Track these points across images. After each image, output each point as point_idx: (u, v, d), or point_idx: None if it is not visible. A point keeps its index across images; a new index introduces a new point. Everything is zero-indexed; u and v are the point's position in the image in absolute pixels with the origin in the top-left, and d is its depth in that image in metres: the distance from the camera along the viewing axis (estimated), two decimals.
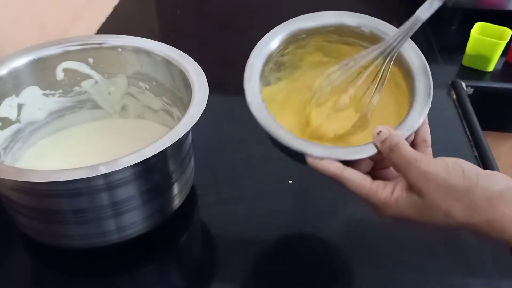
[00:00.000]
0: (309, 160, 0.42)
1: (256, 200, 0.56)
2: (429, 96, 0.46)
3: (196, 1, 1.09)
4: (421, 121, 0.44)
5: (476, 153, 0.65)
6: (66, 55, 0.56)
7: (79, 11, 0.83)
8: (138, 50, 0.56)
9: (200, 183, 0.58)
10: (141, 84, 0.59)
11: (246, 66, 0.48)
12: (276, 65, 0.52)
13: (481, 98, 0.82)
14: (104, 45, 0.56)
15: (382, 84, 0.48)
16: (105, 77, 0.59)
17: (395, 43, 0.47)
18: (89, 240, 0.47)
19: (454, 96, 0.77)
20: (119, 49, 0.56)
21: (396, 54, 0.47)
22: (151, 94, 0.59)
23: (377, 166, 0.44)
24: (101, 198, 0.44)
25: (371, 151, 0.41)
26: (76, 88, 0.59)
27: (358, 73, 0.48)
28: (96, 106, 0.61)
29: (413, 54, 0.49)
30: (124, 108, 0.62)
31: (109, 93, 0.60)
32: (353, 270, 0.51)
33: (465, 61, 0.87)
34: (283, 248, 0.53)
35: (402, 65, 0.48)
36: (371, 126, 0.45)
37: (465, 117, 0.72)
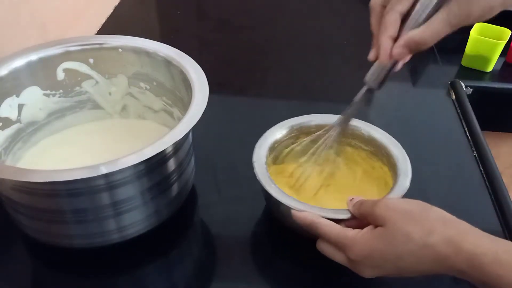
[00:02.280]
0: (293, 213, 0.47)
1: (256, 200, 0.56)
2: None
3: (196, 1, 1.09)
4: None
5: (475, 153, 0.65)
6: (66, 55, 0.56)
7: (79, 11, 0.83)
8: (138, 50, 0.56)
9: (200, 183, 0.58)
10: (142, 84, 0.59)
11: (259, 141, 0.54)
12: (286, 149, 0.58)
13: (480, 98, 0.82)
14: (104, 46, 0.57)
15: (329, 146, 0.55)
16: (105, 77, 0.59)
17: (341, 122, 0.53)
18: (89, 240, 0.47)
19: (454, 96, 0.77)
20: (120, 50, 0.57)
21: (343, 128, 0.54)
22: (151, 94, 0.59)
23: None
24: (102, 198, 0.44)
25: (346, 214, 0.47)
26: (77, 88, 0.59)
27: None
28: (96, 106, 0.61)
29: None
30: (124, 108, 0.62)
31: (110, 93, 0.60)
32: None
33: (465, 62, 0.87)
34: (283, 248, 0.53)
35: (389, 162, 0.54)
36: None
37: (464, 117, 0.72)
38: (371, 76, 0.49)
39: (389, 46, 0.45)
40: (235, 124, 0.70)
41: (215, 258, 0.52)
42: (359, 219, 0.45)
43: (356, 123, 0.57)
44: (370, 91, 0.50)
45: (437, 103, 0.77)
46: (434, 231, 0.39)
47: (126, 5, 1.00)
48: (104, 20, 0.93)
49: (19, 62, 0.53)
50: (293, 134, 0.57)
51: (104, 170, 0.40)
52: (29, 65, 0.54)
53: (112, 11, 0.96)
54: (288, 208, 0.47)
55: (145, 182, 0.46)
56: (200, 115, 0.45)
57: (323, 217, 0.46)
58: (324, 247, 0.45)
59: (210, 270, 0.51)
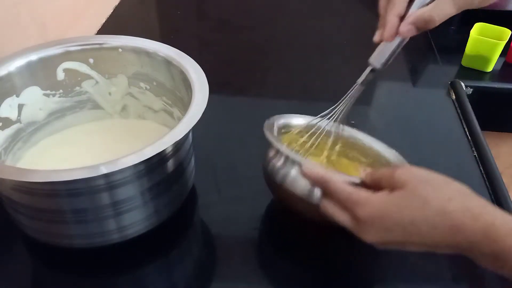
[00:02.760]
0: (304, 168, 0.46)
1: (256, 200, 0.56)
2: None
3: (196, 1, 1.09)
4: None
5: (475, 153, 0.65)
6: (66, 56, 0.56)
7: (79, 12, 0.83)
8: (138, 51, 0.56)
9: (200, 183, 0.58)
10: (142, 84, 0.59)
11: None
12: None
13: (480, 98, 0.82)
14: (104, 46, 0.57)
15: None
16: (105, 78, 0.59)
17: (340, 107, 0.53)
18: (89, 240, 0.47)
19: (454, 96, 0.77)
20: (120, 50, 0.57)
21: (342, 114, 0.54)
22: (151, 94, 0.59)
23: None
24: (102, 198, 0.44)
25: (356, 179, 0.46)
26: (77, 88, 0.59)
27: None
28: (96, 106, 0.61)
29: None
30: (124, 108, 0.62)
31: (110, 93, 0.60)
32: (353, 270, 0.51)
33: (465, 62, 0.87)
34: (283, 248, 0.53)
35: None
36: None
37: (464, 117, 0.72)
38: (375, 56, 0.49)
39: (396, 23, 0.47)
40: (235, 124, 0.70)
41: (215, 258, 0.52)
42: (370, 186, 0.44)
43: (358, 135, 0.58)
44: (373, 71, 0.50)
45: (437, 103, 0.77)
46: (454, 199, 0.39)
47: (126, 5, 1.00)
48: (104, 20, 0.93)
49: (19, 62, 0.53)
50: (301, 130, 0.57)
51: (104, 170, 0.40)
52: (29, 65, 0.54)
53: (112, 11, 0.96)
54: (297, 168, 0.46)
55: (145, 182, 0.46)
56: (200, 115, 0.45)
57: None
58: (328, 206, 0.44)
59: (210, 270, 0.51)
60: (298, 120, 0.58)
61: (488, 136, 0.70)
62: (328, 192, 0.44)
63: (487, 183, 0.61)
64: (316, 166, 0.46)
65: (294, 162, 0.47)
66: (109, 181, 0.43)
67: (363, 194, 0.42)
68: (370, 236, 0.41)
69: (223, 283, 0.49)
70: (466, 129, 0.69)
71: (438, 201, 0.39)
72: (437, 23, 0.46)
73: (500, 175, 0.61)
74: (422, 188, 0.40)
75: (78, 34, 0.80)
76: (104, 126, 0.61)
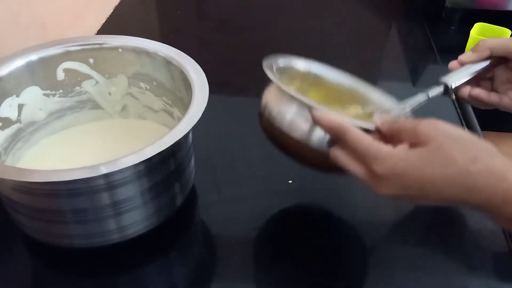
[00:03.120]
0: (317, 113, 0.42)
1: (256, 200, 0.56)
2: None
3: (196, 1, 1.09)
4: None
5: None
6: (66, 56, 0.56)
7: (79, 12, 0.83)
8: (138, 51, 0.56)
9: (200, 183, 0.58)
10: (142, 84, 0.59)
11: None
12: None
13: None
14: (104, 46, 0.57)
15: None
16: (105, 77, 0.59)
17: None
18: (89, 240, 0.47)
19: (454, 96, 0.77)
20: (120, 50, 0.57)
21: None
22: (151, 94, 0.59)
23: None
24: (102, 198, 0.44)
25: (370, 125, 0.42)
26: (77, 88, 0.59)
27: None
28: (96, 106, 0.61)
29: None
30: (124, 108, 0.62)
31: (110, 93, 0.60)
32: (353, 270, 0.51)
33: None
34: (283, 248, 0.53)
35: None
36: None
37: (464, 117, 0.72)
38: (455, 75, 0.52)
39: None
40: (235, 124, 0.70)
41: (215, 258, 0.52)
42: (385, 135, 0.42)
43: (359, 84, 0.56)
44: (446, 91, 0.53)
45: (437, 103, 0.77)
46: (479, 159, 0.37)
47: (126, 5, 1.00)
48: (104, 20, 0.93)
49: (19, 62, 0.53)
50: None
51: (104, 170, 0.40)
52: (29, 65, 0.54)
53: (112, 11, 0.96)
54: (306, 113, 0.42)
55: (145, 182, 0.46)
56: (200, 115, 0.45)
57: None
58: (341, 155, 0.41)
59: (210, 270, 0.51)
60: (299, 63, 0.55)
61: (488, 136, 0.70)
62: (342, 142, 0.41)
63: None
64: (329, 111, 0.42)
65: (300, 105, 0.43)
66: (109, 181, 0.43)
67: (383, 149, 0.39)
68: (385, 191, 0.39)
69: (223, 283, 0.49)
70: (466, 129, 0.69)
71: (463, 160, 0.37)
72: None
73: None
74: (448, 146, 0.38)
75: (78, 34, 0.80)
76: (104, 126, 0.61)
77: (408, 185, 0.39)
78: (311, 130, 0.44)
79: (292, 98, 0.44)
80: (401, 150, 0.39)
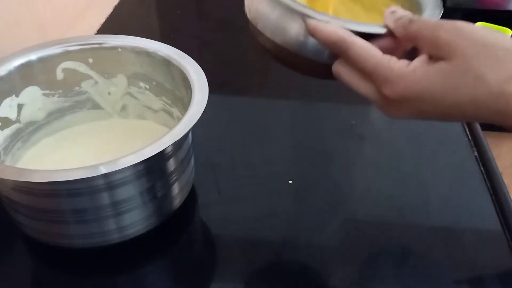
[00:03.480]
0: (312, 23, 0.35)
1: (256, 200, 0.56)
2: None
3: (196, 1, 1.09)
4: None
5: (476, 153, 0.65)
6: (66, 55, 0.56)
7: (79, 11, 0.83)
8: (138, 50, 0.56)
9: (200, 183, 0.58)
10: (141, 84, 0.59)
11: None
12: None
13: None
14: (104, 45, 0.57)
15: None
16: (105, 77, 0.59)
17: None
18: (89, 240, 0.47)
19: None
20: (119, 49, 0.56)
21: None
22: (151, 94, 0.59)
23: None
24: (101, 198, 0.44)
25: (380, 29, 0.34)
26: (76, 88, 0.59)
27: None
28: (96, 106, 0.61)
29: None
30: (124, 108, 0.62)
31: (109, 93, 0.60)
32: (353, 270, 0.51)
33: None
34: (283, 248, 0.53)
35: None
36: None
37: None
38: None
39: None
40: (235, 124, 0.70)
41: (215, 258, 0.52)
42: (399, 40, 0.35)
43: None
44: None
45: None
46: None
47: (126, 5, 1.00)
48: (103, 20, 0.92)
49: (19, 62, 0.53)
50: None
51: (103, 170, 0.40)
52: (29, 65, 0.54)
53: (111, 11, 0.96)
54: (302, 23, 0.35)
55: (145, 182, 0.46)
56: (200, 115, 0.45)
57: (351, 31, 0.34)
58: (345, 73, 0.35)
59: (210, 270, 0.51)
60: None
61: (488, 136, 0.69)
62: (346, 57, 0.35)
63: (487, 183, 0.60)
64: (328, 19, 0.35)
65: (289, 11, 0.36)
66: (109, 181, 0.43)
67: (395, 68, 0.32)
68: (397, 115, 0.34)
69: (223, 283, 0.49)
70: (466, 129, 0.69)
71: (496, 79, 0.30)
72: None
73: (501, 175, 0.61)
74: (477, 62, 0.30)
75: (78, 34, 0.80)
76: (104, 126, 0.61)
77: (425, 110, 0.33)
78: (305, 38, 0.37)
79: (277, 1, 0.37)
80: (417, 67, 0.32)
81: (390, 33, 0.34)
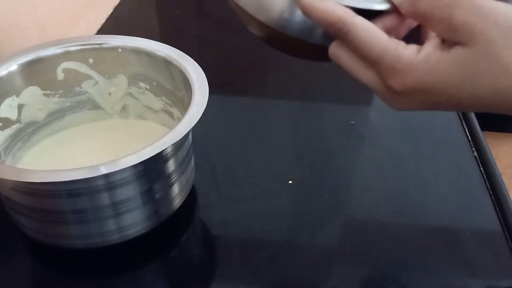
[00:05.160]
0: (305, 1, 0.30)
1: (256, 200, 0.56)
2: None
3: (196, 1, 1.09)
4: None
5: (475, 153, 0.65)
6: (66, 56, 0.56)
7: (79, 12, 0.83)
8: (138, 51, 0.56)
9: (200, 183, 0.58)
10: (141, 84, 0.59)
11: None
12: None
13: None
14: (104, 46, 0.57)
15: None
16: (105, 78, 0.59)
17: None
18: (89, 240, 0.47)
19: None
20: (119, 50, 0.57)
21: None
22: (151, 94, 0.59)
23: None
24: (101, 198, 0.44)
25: (384, 4, 0.29)
26: (77, 89, 0.59)
27: None
28: (96, 106, 0.61)
29: None
30: (124, 108, 0.62)
31: (110, 94, 0.60)
32: (353, 270, 0.51)
33: None
34: (283, 248, 0.53)
35: None
36: None
37: (464, 117, 0.72)
38: None
39: None
40: (235, 124, 0.70)
41: (215, 258, 0.52)
42: (406, 17, 0.30)
43: None
44: None
45: None
46: None
47: (126, 5, 1.00)
48: (104, 20, 0.92)
49: (19, 62, 0.53)
50: None
51: (104, 171, 0.40)
52: (29, 65, 0.54)
53: (111, 11, 0.96)
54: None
55: (145, 182, 0.46)
56: (200, 115, 0.45)
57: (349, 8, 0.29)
58: (344, 57, 0.31)
59: (210, 270, 0.51)
60: None
61: (488, 136, 0.69)
62: (346, 41, 0.30)
63: (487, 183, 0.61)
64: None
65: None
66: (109, 182, 0.43)
67: (404, 55, 0.28)
68: (404, 107, 0.30)
69: (223, 283, 0.49)
70: (466, 129, 0.69)
71: None
72: None
73: (500, 175, 0.61)
74: (502, 47, 0.25)
75: (78, 34, 0.80)
76: (104, 126, 0.61)
77: (438, 103, 0.29)
78: (291, 15, 0.32)
79: None
80: (430, 54, 0.27)
81: (394, 9, 0.29)
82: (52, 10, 0.73)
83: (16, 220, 0.48)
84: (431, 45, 0.28)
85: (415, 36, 0.31)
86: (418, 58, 0.27)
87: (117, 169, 0.40)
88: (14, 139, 0.54)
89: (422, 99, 0.29)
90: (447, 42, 0.27)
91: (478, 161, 0.64)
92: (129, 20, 0.97)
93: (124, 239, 0.48)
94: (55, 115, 0.59)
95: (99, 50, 0.57)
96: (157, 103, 0.60)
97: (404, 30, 0.31)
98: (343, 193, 0.59)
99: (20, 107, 0.54)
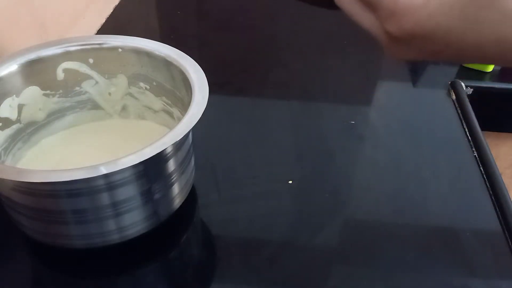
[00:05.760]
0: None
1: (256, 200, 0.56)
2: None
3: (196, 1, 1.09)
4: None
5: (475, 153, 0.65)
6: (66, 56, 0.56)
7: (79, 11, 0.83)
8: (138, 51, 0.56)
9: (200, 183, 0.58)
10: (142, 84, 0.59)
11: None
12: None
13: (480, 98, 0.82)
14: (104, 46, 0.57)
15: None
16: (105, 78, 0.59)
17: None
18: (89, 240, 0.47)
19: (454, 97, 0.77)
20: (120, 50, 0.57)
21: None
22: (151, 94, 0.59)
23: None
24: (101, 198, 0.44)
25: None
26: (77, 89, 0.59)
27: None
28: (96, 106, 0.61)
29: None
30: (124, 108, 0.62)
31: (110, 94, 0.60)
32: (353, 270, 0.51)
33: None
34: (283, 248, 0.53)
35: None
36: None
37: (464, 117, 0.72)
38: None
39: None
40: (235, 124, 0.70)
41: (215, 258, 0.52)
42: None
43: None
44: None
45: (437, 103, 0.77)
46: None
47: (126, 5, 1.00)
48: (104, 20, 0.93)
49: (19, 62, 0.53)
50: None
51: (104, 171, 0.40)
52: (29, 65, 0.54)
53: (111, 11, 0.96)
54: None
55: (145, 182, 0.46)
56: (200, 115, 0.45)
57: None
58: (348, 1, 0.31)
59: (210, 270, 0.51)
60: None
61: (488, 136, 0.70)
62: None
63: (487, 183, 0.61)
64: None
65: None
66: (109, 182, 0.43)
67: None
68: (403, 55, 0.29)
69: (223, 283, 0.49)
70: (466, 129, 0.69)
71: None
72: None
73: (500, 175, 0.61)
74: None
75: (78, 34, 0.80)
76: (104, 126, 0.61)
77: (437, 51, 0.28)
78: None
79: None
80: None
81: None
82: (52, 10, 0.73)
83: (16, 220, 0.48)
84: None
85: None
86: (417, 2, 0.26)
87: (117, 169, 0.40)
88: (14, 139, 0.54)
89: (421, 47, 0.28)
90: None
91: (478, 161, 0.64)
92: (129, 20, 0.97)
93: (124, 239, 0.48)
94: (55, 115, 0.59)
95: (99, 50, 0.57)
96: (157, 103, 0.60)
97: None
98: (343, 193, 0.59)
99: (20, 107, 0.54)
